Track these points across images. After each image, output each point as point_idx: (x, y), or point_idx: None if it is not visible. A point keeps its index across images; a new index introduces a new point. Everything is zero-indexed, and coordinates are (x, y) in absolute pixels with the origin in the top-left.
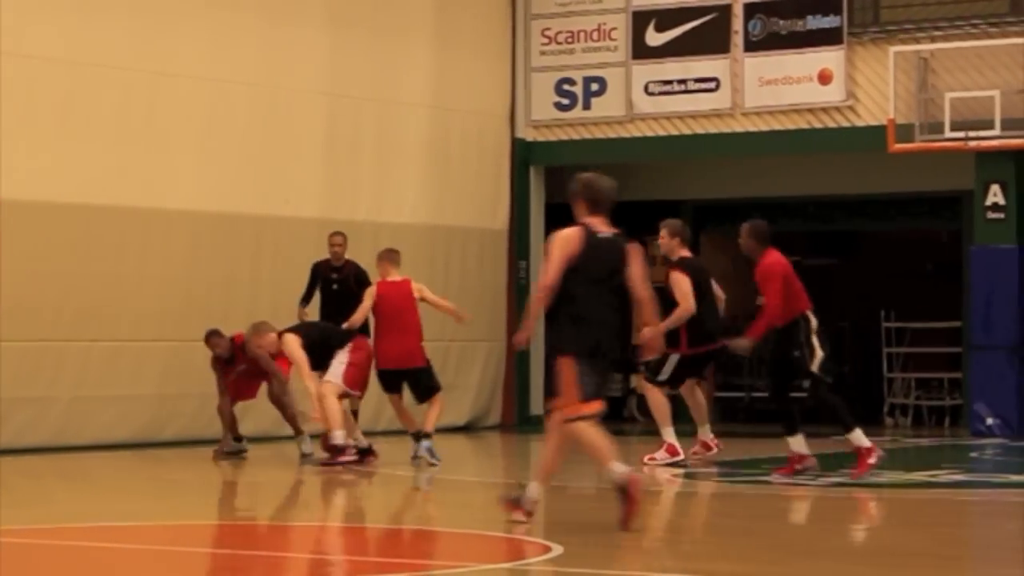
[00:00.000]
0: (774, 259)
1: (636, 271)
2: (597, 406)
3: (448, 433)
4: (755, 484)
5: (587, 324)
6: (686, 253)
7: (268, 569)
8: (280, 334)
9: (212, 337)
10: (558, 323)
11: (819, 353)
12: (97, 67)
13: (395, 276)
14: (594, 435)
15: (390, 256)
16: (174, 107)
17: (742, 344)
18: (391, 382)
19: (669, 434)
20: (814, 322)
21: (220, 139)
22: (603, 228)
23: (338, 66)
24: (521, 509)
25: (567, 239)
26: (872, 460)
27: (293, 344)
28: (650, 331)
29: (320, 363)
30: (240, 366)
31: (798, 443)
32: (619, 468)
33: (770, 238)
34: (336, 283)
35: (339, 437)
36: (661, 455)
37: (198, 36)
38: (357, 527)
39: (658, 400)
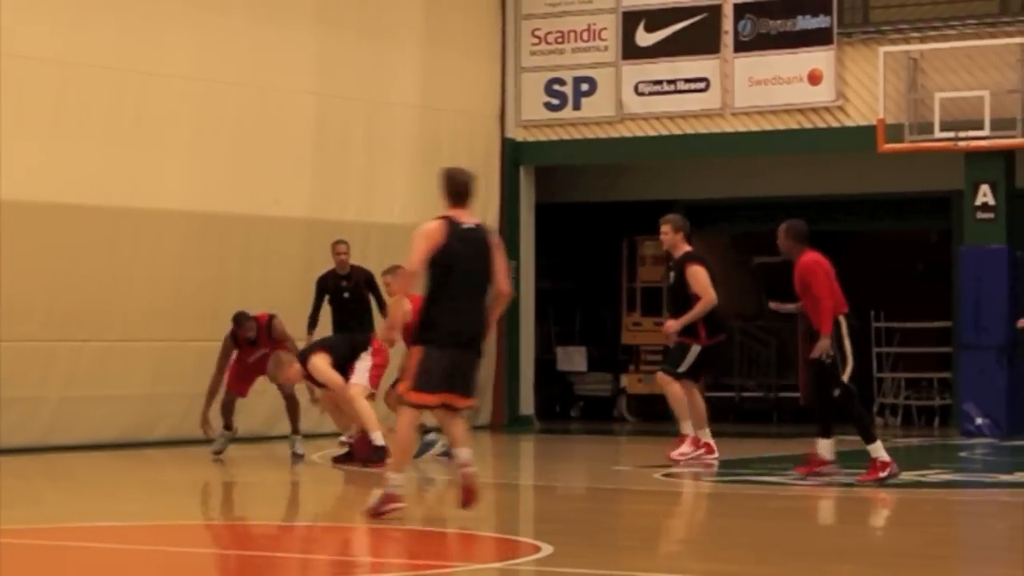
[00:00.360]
0: (813, 257)
1: (499, 263)
2: (432, 399)
3: (438, 433)
4: (744, 484)
5: (446, 315)
6: (688, 247)
7: (257, 569)
8: (306, 358)
9: (245, 320)
10: (422, 313)
11: (850, 362)
12: (87, 67)
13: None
14: (407, 432)
15: None
16: (164, 107)
17: (822, 345)
18: None
19: (688, 427)
20: (844, 326)
21: (210, 139)
22: (466, 219)
23: (327, 66)
24: (391, 499)
25: (430, 231)
26: (884, 474)
27: (323, 366)
28: (675, 323)
29: (343, 370)
30: (262, 350)
31: (826, 447)
32: (394, 479)
33: (809, 238)
34: (347, 291)
35: (379, 438)
36: (687, 449)
37: (187, 37)
38: (346, 527)
39: (677, 393)
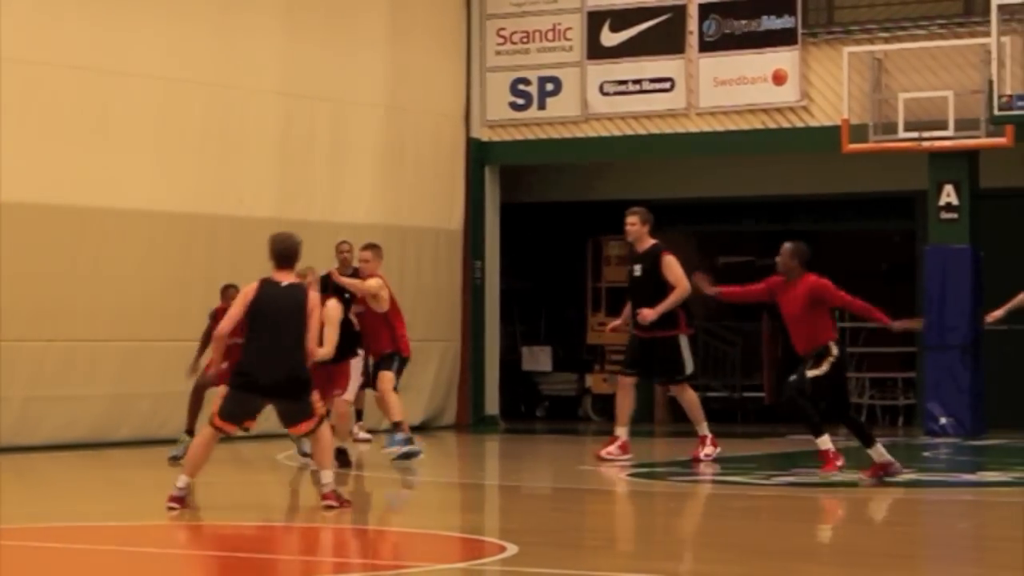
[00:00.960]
0: (818, 279)
1: (314, 317)
2: (230, 428)
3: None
4: (710, 484)
5: (248, 361)
6: (653, 240)
7: (218, 570)
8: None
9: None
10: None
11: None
12: (51, 67)
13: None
14: (201, 447)
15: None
16: (129, 107)
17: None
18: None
19: (705, 428)
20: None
21: (175, 139)
22: (284, 279)
23: (293, 66)
24: (177, 498)
25: (246, 292)
26: (840, 464)
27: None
28: (651, 312)
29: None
30: None
31: (879, 452)
32: (180, 481)
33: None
34: (347, 291)
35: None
36: (709, 449)
37: (153, 36)
38: (311, 527)
39: (691, 397)
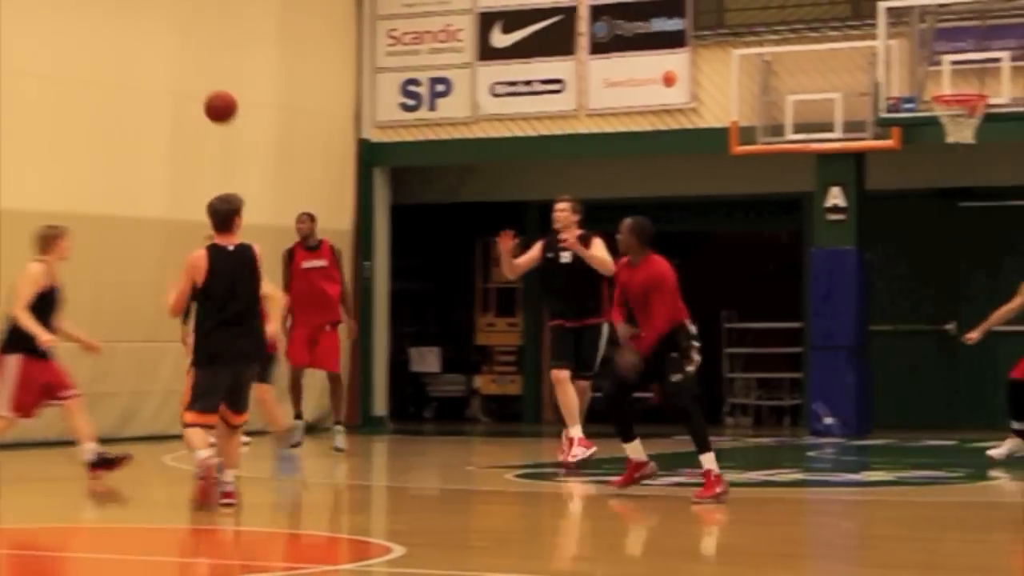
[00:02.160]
0: (666, 265)
1: (260, 271)
2: (209, 418)
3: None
4: (596, 484)
5: (209, 335)
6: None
7: (102, 572)
8: None
9: None
10: (195, 335)
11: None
12: None
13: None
14: (198, 441)
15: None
16: (19, 106)
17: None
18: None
19: (579, 430)
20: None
21: (66, 138)
22: (230, 242)
23: (183, 66)
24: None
25: (195, 263)
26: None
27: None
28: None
29: None
30: None
31: (709, 460)
32: (227, 477)
33: (655, 241)
34: None
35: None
36: (578, 451)
37: (44, 35)
38: (196, 528)
39: (574, 397)
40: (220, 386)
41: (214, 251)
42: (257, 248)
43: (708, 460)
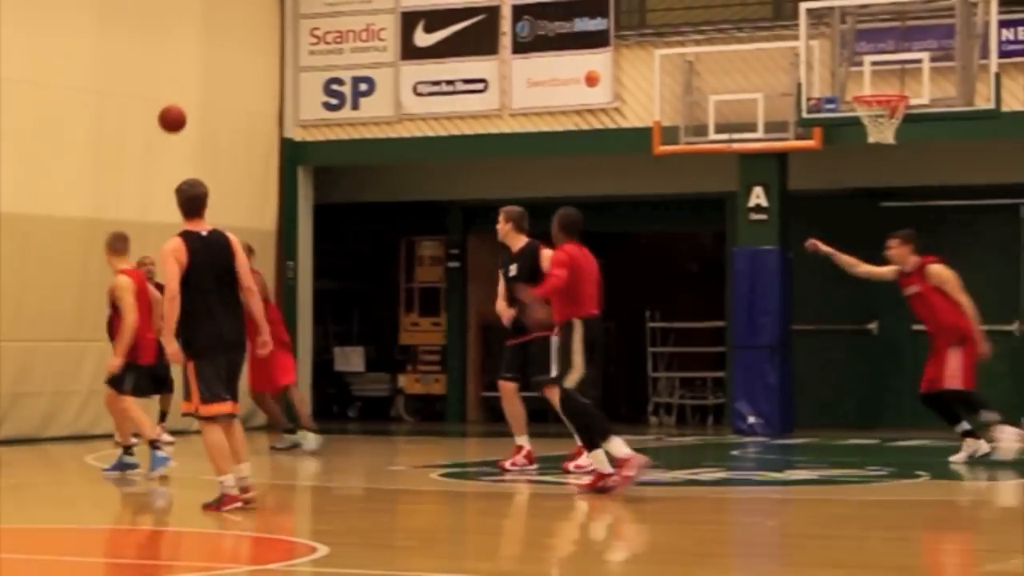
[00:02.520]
0: (572, 250)
1: (242, 261)
2: (225, 407)
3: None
4: (524, 484)
5: (195, 323)
6: (525, 238)
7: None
8: None
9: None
10: (182, 326)
11: (579, 370)
12: None
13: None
14: (217, 438)
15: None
16: None
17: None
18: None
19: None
20: (580, 330)
21: None
22: (202, 228)
23: (105, 64)
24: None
25: (175, 251)
26: (601, 484)
27: None
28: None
29: None
30: None
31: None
32: (241, 471)
33: (579, 232)
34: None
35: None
36: (523, 461)
37: None
38: (115, 529)
39: (518, 407)
40: (220, 373)
41: (188, 237)
42: (232, 236)
43: (596, 456)
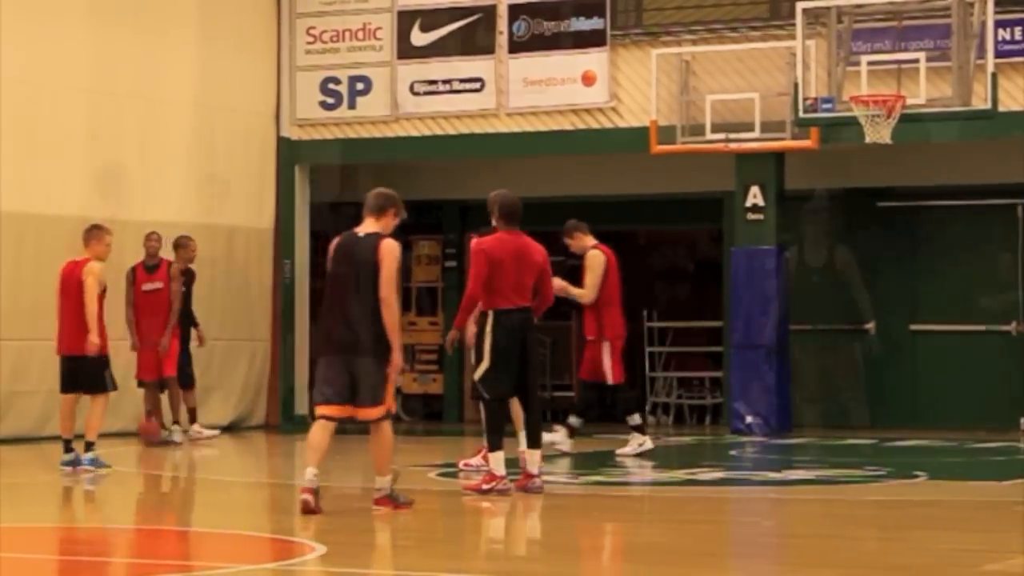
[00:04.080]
0: (483, 242)
1: (384, 270)
2: (331, 409)
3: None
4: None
5: (322, 322)
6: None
7: (24, 572)
8: None
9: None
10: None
11: (486, 360)
12: None
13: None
14: (315, 438)
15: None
16: None
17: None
18: None
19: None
20: (491, 322)
21: None
22: (363, 229)
23: (101, 63)
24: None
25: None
26: (488, 486)
27: None
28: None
29: None
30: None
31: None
32: (308, 473)
33: (517, 219)
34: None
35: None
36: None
37: None
38: (119, 529)
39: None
40: (331, 376)
41: (344, 238)
42: (386, 242)
43: (494, 459)
